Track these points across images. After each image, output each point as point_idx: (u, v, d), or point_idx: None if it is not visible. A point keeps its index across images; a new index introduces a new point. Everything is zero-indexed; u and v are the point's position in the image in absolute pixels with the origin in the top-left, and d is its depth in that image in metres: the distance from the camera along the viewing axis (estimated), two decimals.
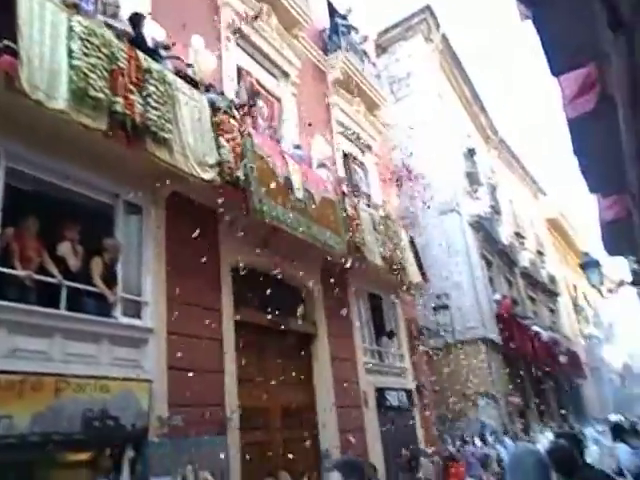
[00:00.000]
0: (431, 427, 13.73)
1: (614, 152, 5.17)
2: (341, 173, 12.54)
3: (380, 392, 11.59)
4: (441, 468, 11.83)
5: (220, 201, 7.82)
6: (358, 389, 10.76)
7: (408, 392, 12.82)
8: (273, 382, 8.87)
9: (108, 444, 5.95)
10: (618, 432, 7.62)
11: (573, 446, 3.35)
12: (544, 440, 11.92)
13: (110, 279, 6.47)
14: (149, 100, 6.51)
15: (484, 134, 25.59)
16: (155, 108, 6.55)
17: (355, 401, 10.52)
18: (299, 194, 9.05)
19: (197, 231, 7.36)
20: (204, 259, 7.64)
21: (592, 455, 12.41)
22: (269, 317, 8.93)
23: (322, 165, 11.17)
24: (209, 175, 7.19)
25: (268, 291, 8.84)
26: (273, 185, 8.45)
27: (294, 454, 8.83)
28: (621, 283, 10.19)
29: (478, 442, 13.48)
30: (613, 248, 10.68)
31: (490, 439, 13.17)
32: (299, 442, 9.20)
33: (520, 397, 19.17)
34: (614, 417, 20.71)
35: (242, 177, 7.71)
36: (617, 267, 14.75)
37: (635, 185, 5.63)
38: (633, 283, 10.70)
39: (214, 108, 7.84)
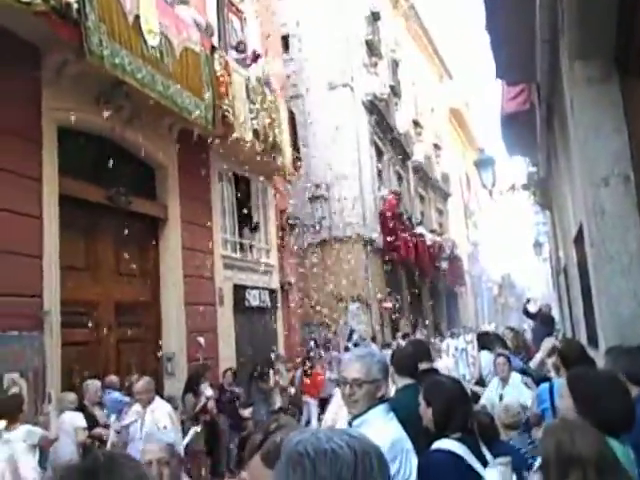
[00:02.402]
0: (295, 331, 14.51)
1: (527, 33, 5.29)
2: (212, 20, 11.77)
3: (239, 290, 11.88)
4: (301, 374, 12.65)
5: (45, 36, 7.04)
6: (213, 285, 10.91)
7: (272, 292, 13.27)
8: (107, 272, 8.69)
9: None
10: (483, 341, 8.61)
11: (419, 352, 3.74)
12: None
13: None
14: None
15: None
16: None
17: (208, 299, 10.70)
18: (153, 40, 8.39)
19: (11, 73, 6.65)
20: (21, 112, 6.99)
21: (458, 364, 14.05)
22: (107, 193, 8.56)
23: (183, 1, 10.30)
24: None
25: (107, 162, 8.34)
26: (119, 23, 7.72)
27: (131, 356, 8.93)
28: (513, 186, 11.00)
29: (342, 348, 14.52)
30: (513, 146, 11.41)
31: (353, 346, 14.22)
32: (137, 343, 9.27)
33: (395, 303, 20.73)
34: (487, 327, 23.35)
35: (75, 5, 6.91)
36: (516, 170, 15.90)
37: (542, 71, 5.88)
38: (525, 186, 11.57)
39: None
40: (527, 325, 17.49)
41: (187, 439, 6.78)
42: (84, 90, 7.91)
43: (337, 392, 5.04)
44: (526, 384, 5.86)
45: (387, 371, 2.84)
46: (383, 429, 2.48)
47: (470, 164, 27.82)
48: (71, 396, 6.72)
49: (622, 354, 2.87)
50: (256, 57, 12.21)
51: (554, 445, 1.77)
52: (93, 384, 7.16)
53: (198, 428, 7.43)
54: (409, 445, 2.60)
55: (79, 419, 6.43)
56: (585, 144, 3.97)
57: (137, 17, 8.16)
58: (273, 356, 11.88)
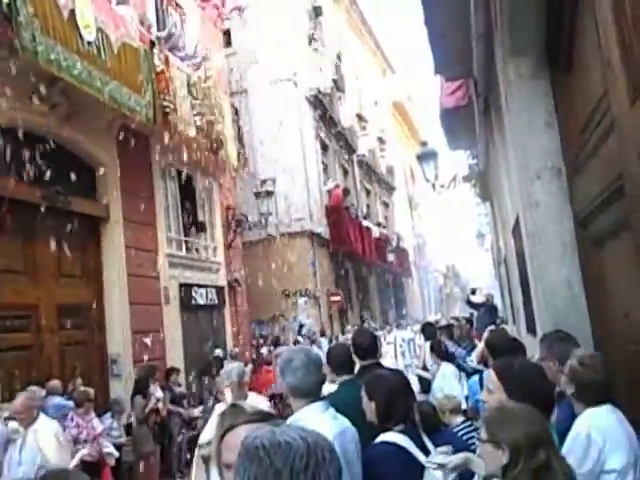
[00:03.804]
0: (244, 327, 14.45)
1: (464, 29, 5.41)
2: (151, 15, 11.56)
3: (185, 288, 11.75)
4: (251, 371, 12.61)
5: None
6: (158, 284, 10.76)
7: (219, 289, 13.19)
8: (47, 274, 8.46)
9: None
10: (428, 331, 8.79)
11: (358, 346, 3.80)
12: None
13: None
14: None
15: None
16: None
17: (154, 298, 10.54)
18: (89, 35, 8.17)
19: None
20: None
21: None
22: (44, 193, 8.32)
23: (123, 1, 10.14)
24: None
25: (44, 160, 8.10)
26: (53, 18, 7.49)
27: (75, 360, 8.74)
28: (454, 178, 11.23)
29: (292, 343, 14.55)
30: (453, 140, 11.65)
31: (304, 340, 14.28)
32: (80, 346, 9.07)
33: (343, 296, 20.91)
34: (434, 317, 23.78)
35: (6, 0, 6.68)
36: (458, 163, 16.21)
37: (478, 67, 6.02)
38: (467, 178, 11.84)
39: None
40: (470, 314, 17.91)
41: (74, 461, 6.26)
42: (18, 87, 7.65)
43: (217, 408, 4.54)
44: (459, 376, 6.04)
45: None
46: (319, 426, 2.49)
47: (414, 157, 28.27)
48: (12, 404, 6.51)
49: (556, 341, 2.98)
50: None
51: (522, 432, 1.83)
52: (35, 390, 6.95)
53: (85, 450, 6.78)
54: (334, 444, 2.62)
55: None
56: (519, 139, 4.09)
57: (72, 12, 7.93)
58: (218, 353, 11.78)
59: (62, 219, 8.58)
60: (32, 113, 7.96)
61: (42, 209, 8.09)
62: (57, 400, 7.36)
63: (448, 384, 5.87)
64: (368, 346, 3.88)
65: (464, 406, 5.15)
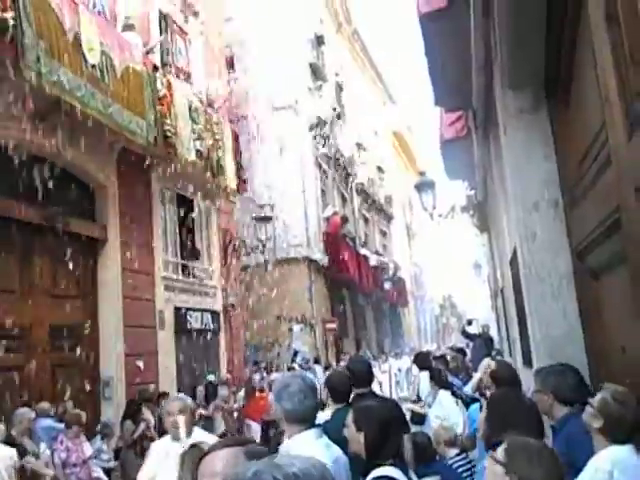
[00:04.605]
0: (238, 353, 14.35)
1: (463, 61, 5.48)
2: (155, 40, 11.70)
3: (180, 312, 11.70)
4: (244, 398, 12.49)
5: None
6: (153, 307, 10.71)
7: (215, 313, 13.13)
8: (42, 294, 8.43)
9: None
10: (422, 361, 8.71)
11: (356, 375, 3.76)
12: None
13: None
14: None
15: (336, 20, 25.64)
16: None
17: (148, 321, 10.49)
18: (93, 58, 8.26)
19: None
20: None
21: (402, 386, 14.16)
22: (42, 213, 8.33)
23: (129, 27, 10.28)
24: None
25: (43, 181, 8.13)
26: (58, 41, 7.58)
27: (66, 381, 8.65)
28: (452, 208, 11.27)
29: (286, 369, 14.43)
30: (453, 170, 11.72)
31: (298, 368, 14.17)
32: (72, 368, 8.99)
33: (339, 324, 20.81)
34: (429, 347, 23.67)
35: (12, 22, 6.76)
36: (456, 193, 16.30)
37: (477, 99, 6.09)
38: (465, 209, 11.87)
39: None
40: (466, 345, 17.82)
41: None
42: (21, 107, 7.71)
43: (156, 443, 4.36)
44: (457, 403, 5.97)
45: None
46: (312, 454, 2.44)
47: (412, 187, 28.36)
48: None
49: (550, 374, 2.95)
50: None
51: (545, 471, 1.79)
52: (24, 412, 6.86)
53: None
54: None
55: (10, 452, 6.12)
56: (517, 170, 4.12)
57: (77, 35, 8.03)
58: (211, 378, 11.68)
59: (60, 240, 8.58)
60: (33, 134, 8.00)
61: (40, 229, 8.10)
62: (47, 422, 7.28)
63: (447, 410, 5.80)
64: (363, 374, 3.85)
65: (460, 431, 5.07)
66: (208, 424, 10.98)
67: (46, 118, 8.15)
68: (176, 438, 3.79)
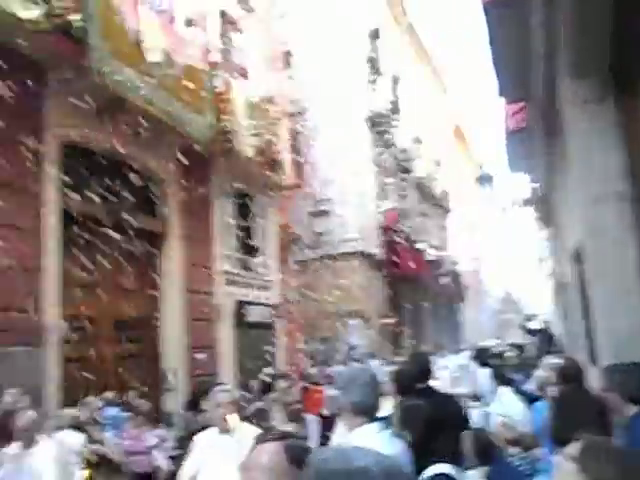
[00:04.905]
0: (295, 347, 14.48)
1: (525, 49, 5.37)
2: (214, 37, 11.88)
3: (239, 306, 11.88)
4: (301, 391, 12.59)
5: (49, 53, 7.14)
6: (213, 301, 10.92)
7: (272, 307, 13.28)
8: (106, 288, 8.71)
9: None
10: (482, 357, 8.59)
11: (422, 370, 3.72)
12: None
13: None
14: None
15: (393, 13, 25.42)
16: None
17: (208, 315, 10.70)
18: (155, 57, 8.47)
19: (16, 90, 6.69)
20: (24, 127, 7.06)
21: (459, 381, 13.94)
22: (107, 209, 8.61)
23: (190, 24, 10.44)
24: (31, 14, 6.44)
25: (108, 178, 8.41)
26: (122, 41, 7.82)
27: (130, 372, 8.92)
28: (514, 201, 11.02)
29: (342, 364, 14.45)
30: (515, 162, 11.48)
31: (354, 362, 14.16)
32: (137, 359, 9.27)
33: (395, 319, 20.70)
34: (490, 342, 23.23)
35: (78, 24, 7.00)
36: (519, 186, 15.96)
37: (541, 89, 5.95)
38: (528, 202, 11.60)
39: None
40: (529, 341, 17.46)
41: None
42: (87, 106, 7.98)
43: (200, 436, 4.23)
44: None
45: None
46: (375, 447, 2.43)
47: (471, 180, 27.95)
48: (69, 412, 6.70)
49: (618, 372, 2.87)
50: None
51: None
52: (92, 401, 7.13)
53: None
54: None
55: (78, 438, 6.38)
56: (582, 162, 4.01)
57: (139, 34, 8.26)
58: (269, 371, 11.80)
59: (123, 234, 8.84)
60: (98, 132, 8.28)
61: (105, 224, 8.38)
62: (113, 411, 7.53)
63: (508, 408, 5.66)
64: (422, 370, 3.83)
65: (523, 429, 4.95)
66: (264, 416, 11.13)
67: (110, 116, 8.40)
68: (224, 431, 3.78)
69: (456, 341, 27.61)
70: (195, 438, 4.29)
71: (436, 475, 2.64)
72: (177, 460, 8.15)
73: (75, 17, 7.00)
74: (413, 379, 3.64)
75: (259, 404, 10.59)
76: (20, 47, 6.94)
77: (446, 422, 2.74)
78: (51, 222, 7.52)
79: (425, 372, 3.85)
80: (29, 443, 4.96)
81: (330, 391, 12.59)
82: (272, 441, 1.64)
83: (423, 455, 2.68)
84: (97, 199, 8.46)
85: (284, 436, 1.68)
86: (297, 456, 1.50)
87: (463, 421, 2.98)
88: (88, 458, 6.38)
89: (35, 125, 7.47)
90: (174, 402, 9.41)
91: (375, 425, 2.60)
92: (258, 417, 10.84)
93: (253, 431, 3.66)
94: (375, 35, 22.02)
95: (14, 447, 5.01)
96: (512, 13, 5.23)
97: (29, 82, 7.26)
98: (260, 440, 1.70)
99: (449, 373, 13.32)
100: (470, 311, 35.29)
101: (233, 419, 3.84)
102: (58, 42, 7.01)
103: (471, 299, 35.31)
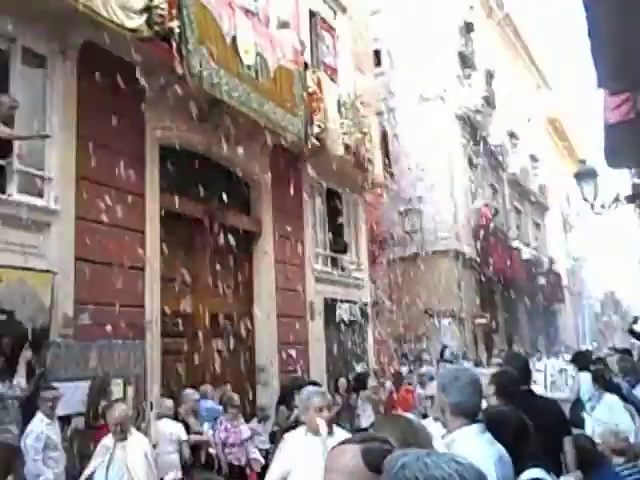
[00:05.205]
0: (385, 346, 14.44)
1: (629, 37, 5.11)
2: (305, 37, 12.04)
3: (330, 304, 11.99)
4: (390, 390, 12.53)
5: (148, 59, 7.49)
6: (304, 299, 11.07)
7: (363, 306, 13.29)
8: (203, 285, 9.01)
9: None
10: (582, 361, 8.21)
11: (521, 373, 3.60)
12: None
13: (2, 145, 6.19)
14: None
15: (487, 5, 24.79)
16: None
17: (300, 312, 10.87)
18: (249, 59, 8.69)
19: (118, 95, 7.06)
20: (126, 131, 7.42)
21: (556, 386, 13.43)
22: (204, 208, 8.91)
23: (284, 25, 10.65)
24: (134, 23, 6.78)
25: (204, 178, 8.72)
26: (217, 45, 8.07)
27: (224, 366, 9.19)
28: (617, 198, 10.48)
29: (434, 364, 14.26)
30: (615, 158, 10.91)
31: (446, 363, 13.95)
32: (231, 354, 9.54)
33: (489, 319, 20.21)
34: (589, 346, 22.26)
35: (177, 30, 7.30)
36: (617, 182, 15.17)
37: None
38: (631, 199, 10.99)
39: None
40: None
41: None
42: (184, 109, 8.30)
43: (289, 436, 4.15)
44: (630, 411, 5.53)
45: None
46: (466, 449, 2.38)
47: (570, 176, 26.73)
48: (168, 402, 6.99)
49: None
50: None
51: None
52: (190, 393, 7.41)
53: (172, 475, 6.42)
54: (492, 469, 2.45)
55: (178, 428, 6.64)
56: None
57: (234, 38, 8.50)
58: (360, 369, 11.85)
59: (218, 233, 9.11)
60: (196, 133, 8.60)
61: (202, 223, 8.68)
62: (209, 404, 7.80)
63: (616, 415, 5.40)
64: (520, 372, 3.71)
65: (631, 438, 4.71)
66: (352, 415, 11.15)
67: (206, 118, 8.70)
68: (315, 432, 3.73)
69: (553, 343, 26.61)
70: (285, 436, 4.26)
71: None
72: (269, 454, 8.37)
73: (174, 24, 7.30)
74: (516, 382, 3.52)
75: (348, 402, 10.68)
76: (123, 54, 7.33)
77: (545, 427, 2.64)
78: (152, 222, 7.88)
79: (523, 374, 3.73)
80: (122, 436, 5.10)
81: (421, 391, 12.50)
82: (351, 444, 1.63)
83: (517, 460, 2.60)
84: (194, 199, 8.79)
85: (365, 439, 1.66)
86: (375, 460, 1.48)
87: (564, 426, 2.86)
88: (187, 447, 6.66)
89: (137, 129, 7.85)
90: (267, 397, 9.62)
91: (475, 427, 2.53)
92: (346, 415, 10.94)
93: (343, 434, 3.60)
94: (468, 29, 21.56)
95: (107, 440, 5.19)
96: (612, 3, 5.01)
97: (131, 87, 7.64)
98: (340, 442, 1.69)
99: (546, 377, 12.84)
100: (568, 312, 33.90)
101: (324, 421, 3.75)
102: (158, 48, 7.32)
103: (570, 300, 33.90)
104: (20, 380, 5.90)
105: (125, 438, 5.10)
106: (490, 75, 24.29)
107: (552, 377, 14.08)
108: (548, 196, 32.11)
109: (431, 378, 11.25)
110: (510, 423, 2.69)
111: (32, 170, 6.61)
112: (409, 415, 1.86)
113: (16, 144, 6.37)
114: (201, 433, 7.11)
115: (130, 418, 5.28)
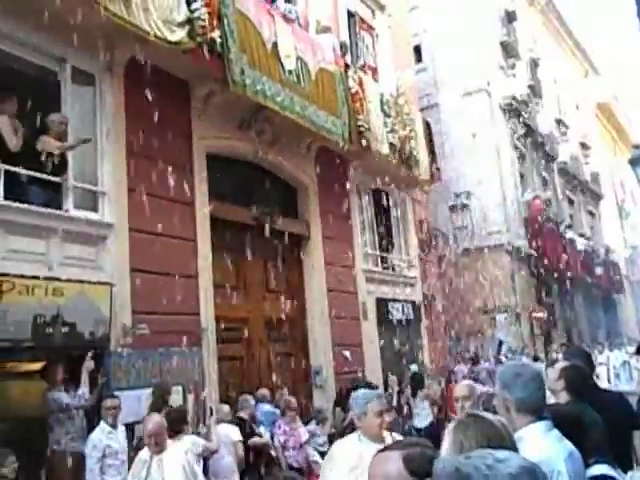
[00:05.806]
0: (440, 344, 14.29)
1: None
2: (345, 38, 12.04)
3: (382, 303, 11.94)
4: (445, 388, 12.40)
5: (192, 70, 7.64)
6: (356, 300, 11.06)
7: (415, 304, 13.19)
8: (255, 289, 9.11)
9: (63, 353, 6.19)
10: None
11: (586, 367, 3.50)
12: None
13: (59, 163, 6.39)
14: None
15: None
16: None
17: (352, 313, 10.86)
18: (290, 64, 8.75)
19: (165, 107, 7.22)
20: (173, 142, 7.57)
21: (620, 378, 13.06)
22: (253, 214, 9.01)
23: (325, 29, 10.68)
24: (176, 36, 6.90)
25: (252, 184, 8.81)
26: (259, 52, 8.16)
27: (280, 370, 9.27)
28: None
29: (491, 361, 14.06)
30: None
31: (504, 359, 13.73)
32: (286, 357, 9.61)
33: (546, 313, 19.78)
34: None
35: (219, 40, 7.40)
36: None
37: None
38: None
39: None
40: None
41: None
42: (228, 117, 8.41)
43: (339, 444, 3.87)
44: None
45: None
46: (535, 447, 2.31)
47: (624, 162, 25.91)
48: (226, 408, 7.08)
49: None
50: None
51: None
52: (246, 398, 7.48)
53: None
54: (562, 467, 2.38)
55: (235, 432, 6.72)
56: None
57: (275, 44, 8.57)
58: (415, 369, 11.74)
59: (268, 238, 9.20)
60: (241, 140, 8.72)
61: (251, 229, 8.78)
62: (266, 408, 7.87)
63: None
64: (591, 365, 3.61)
65: None
66: (403, 415, 11.00)
67: (251, 125, 8.81)
68: (371, 438, 3.52)
69: (614, 335, 25.82)
70: (335, 444, 4.01)
71: (595, 477, 2.49)
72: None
73: (215, 34, 7.40)
74: (585, 376, 3.41)
75: (404, 401, 10.60)
76: (167, 67, 7.49)
77: (613, 421, 2.56)
78: (203, 230, 8.00)
79: (589, 369, 3.63)
80: (157, 449, 4.87)
81: (480, 388, 12.30)
82: (393, 450, 1.61)
83: (585, 457, 2.53)
84: (242, 205, 8.89)
85: (407, 445, 1.64)
86: (417, 467, 1.46)
87: (633, 420, 2.77)
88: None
89: (184, 139, 7.99)
90: (323, 399, 9.65)
91: (542, 424, 2.46)
92: (398, 415, 10.83)
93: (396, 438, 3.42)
94: (510, 18, 21.20)
95: (144, 453, 4.99)
96: None
97: (177, 98, 7.80)
98: (382, 449, 1.67)
99: (609, 370, 12.52)
100: (629, 302, 32.86)
101: (380, 427, 3.58)
102: (201, 59, 7.44)
103: (630, 290, 32.88)
104: (84, 390, 6.08)
105: (161, 450, 4.88)
106: (535, 64, 23.82)
107: (615, 370, 13.73)
108: (601, 184, 31.24)
109: (489, 374, 11.09)
110: (581, 419, 2.61)
111: (86, 185, 6.80)
112: (490, 415, 1.82)
113: (70, 161, 6.57)
114: (261, 436, 7.19)
115: (165, 429, 4.96)
